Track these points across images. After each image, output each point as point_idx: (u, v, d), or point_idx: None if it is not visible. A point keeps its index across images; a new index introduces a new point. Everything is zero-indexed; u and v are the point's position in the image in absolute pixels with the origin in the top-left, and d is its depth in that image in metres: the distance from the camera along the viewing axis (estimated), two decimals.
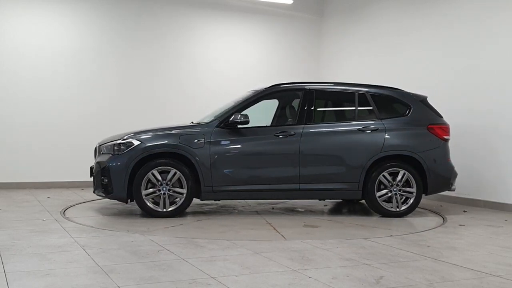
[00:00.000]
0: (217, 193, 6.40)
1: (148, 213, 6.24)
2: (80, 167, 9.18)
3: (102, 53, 9.64)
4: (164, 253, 4.46)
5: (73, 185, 9.26)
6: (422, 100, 7.09)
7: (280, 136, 6.54)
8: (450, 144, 6.96)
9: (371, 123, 6.74)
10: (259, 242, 4.97)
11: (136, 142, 6.25)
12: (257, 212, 6.92)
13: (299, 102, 6.87)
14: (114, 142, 6.34)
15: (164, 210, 6.24)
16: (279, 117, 7.34)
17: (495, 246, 5.03)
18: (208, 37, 10.42)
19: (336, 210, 7.37)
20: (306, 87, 6.88)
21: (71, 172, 9.28)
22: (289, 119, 7.18)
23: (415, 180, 6.64)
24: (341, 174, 6.59)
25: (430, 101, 7.20)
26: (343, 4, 10.79)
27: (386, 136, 6.67)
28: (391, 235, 5.44)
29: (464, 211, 7.31)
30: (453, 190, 7.02)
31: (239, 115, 6.41)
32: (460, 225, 6.19)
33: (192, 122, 7.23)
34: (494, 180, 7.54)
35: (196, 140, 6.31)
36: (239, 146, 6.48)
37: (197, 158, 6.26)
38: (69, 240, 4.93)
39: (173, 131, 6.41)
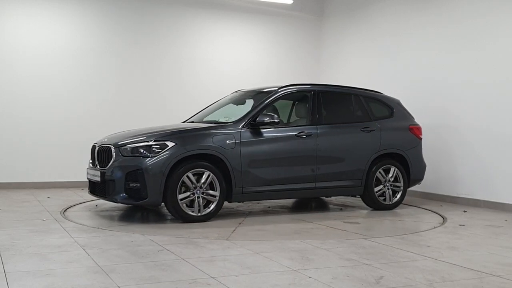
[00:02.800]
0: (246, 194, 6.31)
1: (183, 219, 5.90)
2: (80, 167, 9.18)
3: (102, 53, 9.64)
4: (164, 253, 4.45)
5: (73, 185, 9.26)
6: (398, 103, 7.74)
7: (304, 136, 6.67)
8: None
9: (369, 124, 7.25)
10: (259, 242, 4.98)
11: (170, 144, 5.87)
12: (267, 212, 6.94)
13: (310, 103, 6.98)
14: (144, 144, 5.90)
15: (199, 214, 5.96)
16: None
17: (495, 246, 5.03)
18: (208, 37, 10.42)
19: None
20: (315, 88, 7.13)
21: (71, 172, 9.28)
22: (301, 119, 7.19)
23: (402, 176, 7.33)
24: (349, 171, 7.00)
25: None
26: (343, 4, 10.79)
27: (382, 136, 7.24)
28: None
29: (464, 211, 7.31)
30: (419, 184, 7.79)
31: (268, 115, 6.36)
32: (460, 225, 6.19)
33: (189, 121, 7.30)
34: (494, 180, 7.54)
35: (227, 141, 6.14)
36: (266, 146, 6.43)
37: (229, 159, 6.10)
38: (69, 240, 4.92)
39: (204, 132, 6.16)
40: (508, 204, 7.32)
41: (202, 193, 5.96)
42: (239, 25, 10.72)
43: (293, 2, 10.60)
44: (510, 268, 4.19)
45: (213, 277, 3.73)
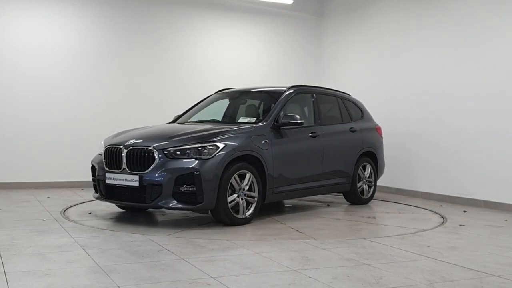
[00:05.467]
0: (276, 194, 6.32)
1: (232, 222, 5.72)
2: (80, 167, 9.18)
3: (102, 53, 9.63)
4: (164, 253, 4.46)
5: (73, 185, 9.25)
6: (363, 104, 8.23)
7: (314, 137, 6.89)
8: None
9: (352, 124, 7.70)
10: (259, 242, 4.98)
11: (220, 145, 5.64)
12: (277, 212, 6.95)
13: (312, 104, 7.21)
14: (195, 146, 5.59)
15: (243, 216, 5.84)
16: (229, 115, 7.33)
17: (495, 246, 5.03)
18: (208, 37, 10.42)
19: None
20: (315, 90, 7.43)
21: (71, 172, 9.28)
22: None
23: (373, 172, 7.95)
24: (343, 169, 7.40)
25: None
26: (343, 4, 10.78)
27: (362, 136, 7.76)
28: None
29: (464, 211, 7.31)
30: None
31: (293, 117, 6.41)
32: (460, 225, 6.19)
33: (179, 121, 7.21)
34: (494, 180, 7.54)
35: (263, 141, 6.10)
36: (290, 146, 6.51)
37: (265, 160, 6.05)
38: (69, 240, 4.93)
39: (245, 132, 6.03)
40: (508, 204, 7.32)
41: (245, 194, 5.86)
42: (239, 25, 10.72)
43: (293, 2, 10.59)
44: (510, 268, 4.19)
45: (213, 277, 3.73)
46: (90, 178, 6.56)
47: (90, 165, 6.40)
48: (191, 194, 5.47)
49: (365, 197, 7.83)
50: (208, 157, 5.54)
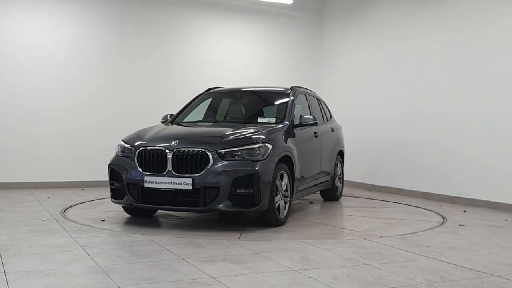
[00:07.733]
0: (297, 193, 6.35)
1: (277, 223, 5.71)
2: (80, 167, 9.20)
3: (103, 54, 9.61)
4: (164, 253, 4.46)
5: (73, 185, 9.25)
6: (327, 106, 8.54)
7: (316, 136, 7.10)
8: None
9: (330, 124, 8.01)
10: (259, 242, 4.98)
11: (269, 146, 5.58)
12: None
13: (307, 105, 7.32)
14: (247, 147, 5.46)
15: (283, 216, 5.83)
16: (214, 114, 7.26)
17: (495, 246, 5.03)
18: (208, 37, 10.40)
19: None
20: (306, 91, 7.59)
21: (71, 172, 9.27)
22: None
23: (342, 169, 8.40)
24: (328, 167, 7.70)
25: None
26: (344, 4, 10.78)
27: (337, 135, 8.19)
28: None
29: (464, 211, 7.31)
30: None
31: (310, 117, 6.51)
32: (460, 225, 6.19)
33: (175, 123, 7.05)
34: (494, 180, 7.54)
35: (292, 141, 6.16)
36: (305, 146, 6.61)
37: (294, 160, 6.05)
38: (69, 240, 4.93)
39: (280, 132, 6.03)
40: (508, 204, 7.32)
41: (282, 195, 5.82)
42: (238, 25, 10.71)
43: (293, 2, 10.59)
44: (510, 268, 4.19)
45: (213, 277, 3.73)
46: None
47: (108, 169, 5.95)
48: (248, 196, 5.35)
49: (338, 193, 8.21)
50: (262, 158, 5.46)
